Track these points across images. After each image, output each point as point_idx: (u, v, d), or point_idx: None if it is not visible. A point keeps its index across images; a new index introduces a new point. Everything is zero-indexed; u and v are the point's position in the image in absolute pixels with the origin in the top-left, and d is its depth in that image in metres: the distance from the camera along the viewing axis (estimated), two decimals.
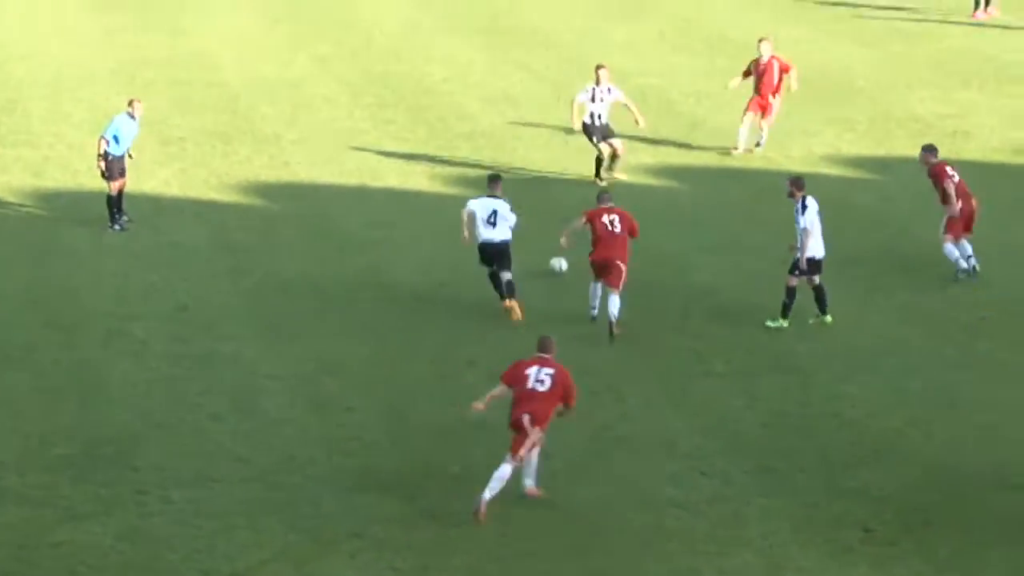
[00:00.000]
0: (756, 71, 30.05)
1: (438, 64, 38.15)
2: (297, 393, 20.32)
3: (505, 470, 16.93)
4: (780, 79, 30.05)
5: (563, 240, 22.61)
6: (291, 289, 23.85)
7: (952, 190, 23.43)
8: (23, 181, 28.92)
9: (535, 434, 16.99)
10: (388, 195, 28.51)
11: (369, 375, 20.84)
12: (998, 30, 41.60)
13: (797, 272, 21.94)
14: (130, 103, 26.52)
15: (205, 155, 30.59)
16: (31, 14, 44.22)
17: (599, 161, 28.48)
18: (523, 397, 17.12)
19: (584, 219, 22.21)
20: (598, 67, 28.76)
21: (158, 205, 27.75)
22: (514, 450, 16.97)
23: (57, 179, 29.09)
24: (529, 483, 17.42)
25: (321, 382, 20.63)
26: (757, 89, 29.97)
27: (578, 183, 28.51)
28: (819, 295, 22.14)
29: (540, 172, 29.49)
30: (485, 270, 22.61)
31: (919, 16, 43.39)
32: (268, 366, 21.12)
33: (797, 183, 22.22)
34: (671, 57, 38.74)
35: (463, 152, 30.72)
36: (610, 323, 21.69)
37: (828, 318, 22.20)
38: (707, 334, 22.08)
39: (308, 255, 25.35)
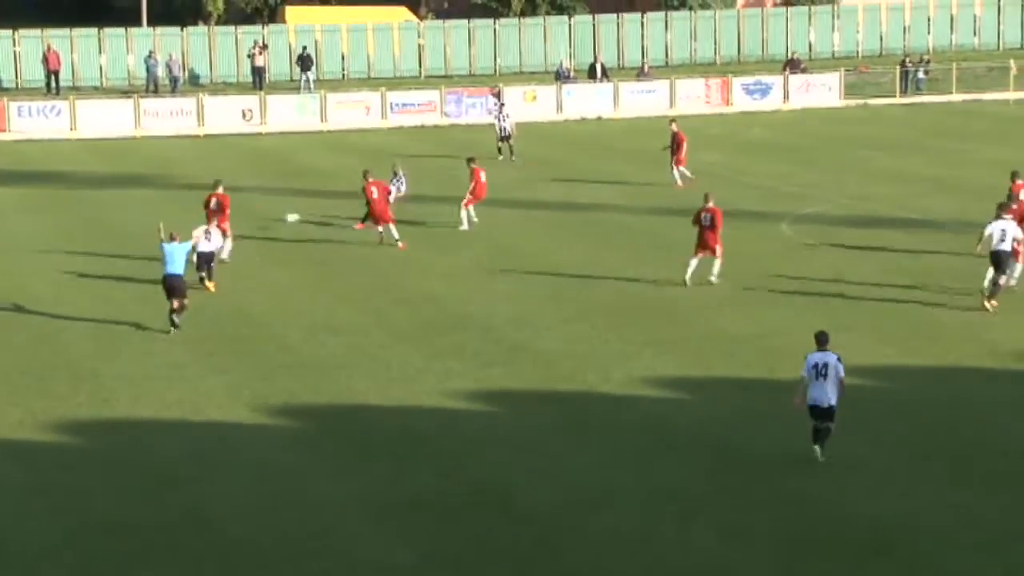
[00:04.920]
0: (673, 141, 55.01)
1: (259, 294, 38.24)
2: None
3: None
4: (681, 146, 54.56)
5: None
6: (112, 530, 23.35)
7: None
8: None
9: None
10: (209, 428, 28.25)
11: None
12: (806, 251, 42.97)
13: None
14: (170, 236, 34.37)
15: (19, 394, 30.10)
16: None
17: None
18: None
19: None
20: None
21: None
22: None
23: None
24: None
25: None
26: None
27: (398, 409, 28.64)
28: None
29: (362, 400, 29.59)
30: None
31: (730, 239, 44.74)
32: None
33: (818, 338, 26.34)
34: (489, 283, 39.32)
35: (284, 382, 30.67)
36: None
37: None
38: (530, 558, 22.04)
39: (127, 494, 24.88)
